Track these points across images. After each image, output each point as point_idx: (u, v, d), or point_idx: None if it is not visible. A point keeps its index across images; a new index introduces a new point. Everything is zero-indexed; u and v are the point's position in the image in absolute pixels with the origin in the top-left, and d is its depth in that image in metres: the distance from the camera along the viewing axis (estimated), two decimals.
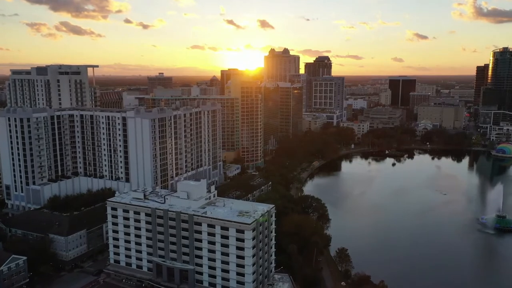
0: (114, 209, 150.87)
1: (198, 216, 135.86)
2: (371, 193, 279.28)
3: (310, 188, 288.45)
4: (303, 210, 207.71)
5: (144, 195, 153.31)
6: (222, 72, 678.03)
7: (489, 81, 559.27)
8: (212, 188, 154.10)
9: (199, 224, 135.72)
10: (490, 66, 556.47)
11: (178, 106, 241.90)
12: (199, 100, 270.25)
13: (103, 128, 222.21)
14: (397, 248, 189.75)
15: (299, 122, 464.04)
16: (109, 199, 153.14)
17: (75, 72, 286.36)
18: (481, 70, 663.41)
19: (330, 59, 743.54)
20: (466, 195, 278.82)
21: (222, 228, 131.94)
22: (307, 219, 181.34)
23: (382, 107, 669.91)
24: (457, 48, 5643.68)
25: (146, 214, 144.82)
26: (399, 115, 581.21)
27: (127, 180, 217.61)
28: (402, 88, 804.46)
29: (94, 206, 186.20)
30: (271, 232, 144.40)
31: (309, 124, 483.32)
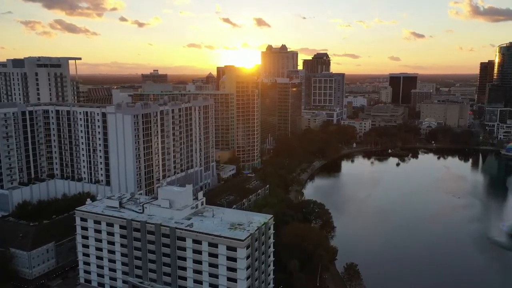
0: (83, 219, 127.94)
1: (182, 229, 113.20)
2: (377, 196, 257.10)
3: (310, 190, 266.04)
4: (304, 217, 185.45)
5: (120, 203, 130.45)
6: (218, 69, 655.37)
7: (495, 77, 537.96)
8: (200, 194, 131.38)
9: (183, 239, 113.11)
10: (496, 62, 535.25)
11: (166, 101, 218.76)
12: (190, 95, 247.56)
13: (81, 125, 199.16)
14: (412, 260, 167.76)
15: (298, 120, 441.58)
16: (78, 208, 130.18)
17: (55, 65, 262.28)
18: (485, 67, 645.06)
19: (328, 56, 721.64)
20: (481, 199, 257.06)
21: (210, 244, 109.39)
22: (310, 228, 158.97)
23: (383, 104, 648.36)
24: (454, 47, 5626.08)
25: (121, 227, 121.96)
26: (401, 112, 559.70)
27: (108, 183, 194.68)
28: (403, 86, 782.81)
29: (67, 214, 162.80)
30: (269, 247, 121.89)
31: (309, 122, 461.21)
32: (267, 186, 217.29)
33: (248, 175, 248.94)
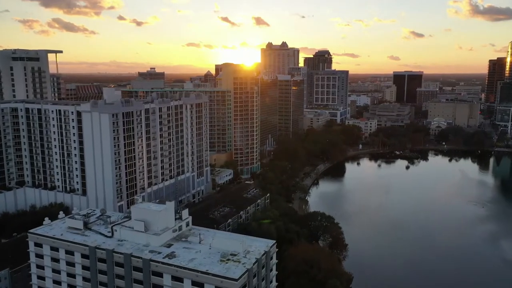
0: (38, 245, 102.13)
1: (158, 262, 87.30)
2: (390, 205, 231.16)
3: (315, 199, 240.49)
4: (311, 232, 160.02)
5: (85, 224, 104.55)
6: (217, 66, 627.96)
7: (506, 75, 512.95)
8: (185, 213, 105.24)
9: (159, 275, 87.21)
10: (509, 59, 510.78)
11: (154, 98, 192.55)
12: (181, 92, 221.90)
13: (53, 125, 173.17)
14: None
15: (299, 119, 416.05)
16: (31, 230, 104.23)
17: (32, 58, 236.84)
18: (494, 64, 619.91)
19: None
20: (505, 208, 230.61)
21: (194, 283, 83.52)
22: (320, 251, 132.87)
23: (389, 103, 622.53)
24: (454, 46, 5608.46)
25: (83, 256, 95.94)
26: (408, 112, 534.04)
27: (84, 192, 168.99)
28: (407, 84, 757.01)
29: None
30: (271, 282, 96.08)
31: (311, 122, 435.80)
32: (268, 195, 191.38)
33: (246, 182, 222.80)
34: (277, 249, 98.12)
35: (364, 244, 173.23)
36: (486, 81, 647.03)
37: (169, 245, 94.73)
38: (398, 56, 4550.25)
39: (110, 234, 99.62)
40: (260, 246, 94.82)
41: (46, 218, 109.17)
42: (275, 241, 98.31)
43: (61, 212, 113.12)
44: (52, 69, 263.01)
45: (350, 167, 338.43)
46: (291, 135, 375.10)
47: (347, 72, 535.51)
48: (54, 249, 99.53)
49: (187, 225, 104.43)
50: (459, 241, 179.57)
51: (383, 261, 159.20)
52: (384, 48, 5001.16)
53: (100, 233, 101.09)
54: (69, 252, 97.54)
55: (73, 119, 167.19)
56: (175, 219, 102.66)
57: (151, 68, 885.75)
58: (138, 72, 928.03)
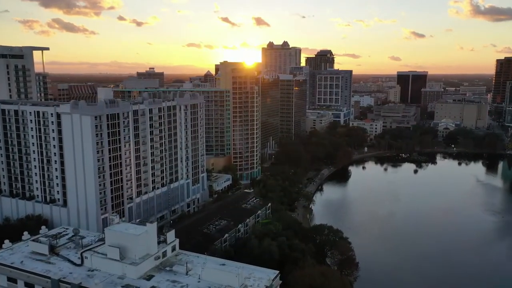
0: None
1: None
2: (402, 215, 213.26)
3: (320, 207, 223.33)
4: (317, 249, 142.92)
5: (52, 247, 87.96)
6: (217, 66, 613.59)
7: None
8: (170, 235, 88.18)
9: None
10: None
11: (145, 98, 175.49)
12: (176, 92, 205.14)
13: (31, 128, 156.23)
14: None
15: (302, 121, 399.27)
16: None
17: (16, 55, 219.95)
18: (501, 64, 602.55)
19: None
20: None
21: None
22: (328, 273, 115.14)
23: (394, 104, 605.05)
24: (455, 46, 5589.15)
25: None
26: (414, 113, 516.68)
27: (65, 203, 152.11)
28: (411, 84, 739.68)
29: None
30: None
31: (314, 123, 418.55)
32: (269, 204, 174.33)
33: (246, 190, 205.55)
34: (281, 281, 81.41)
35: (376, 260, 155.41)
36: (493, 81, 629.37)
37: (149, 277, 78.05)
38: (399, 57, 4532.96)
39: (79, 262, 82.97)
40: (260, 277, 78.26)
41: (7, 241, 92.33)
42: (278, 271, 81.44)
43: (25, 233, 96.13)
44: (39, 68, 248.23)
45: (355, 171, 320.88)
46: (293, 137, 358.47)
47: (350, 71, 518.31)
48: (12, 280, 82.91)
49: (173, 249, 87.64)
50: (484, 257, 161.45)
51: (398, 282, 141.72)
52: (385, 49, 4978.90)
53: (68, 260, 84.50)
54: (29, 285, 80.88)
55: (52, 122, 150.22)
56: (159, 242, 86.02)
57: (150, 68, 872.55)
58: (137, 72, 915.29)
